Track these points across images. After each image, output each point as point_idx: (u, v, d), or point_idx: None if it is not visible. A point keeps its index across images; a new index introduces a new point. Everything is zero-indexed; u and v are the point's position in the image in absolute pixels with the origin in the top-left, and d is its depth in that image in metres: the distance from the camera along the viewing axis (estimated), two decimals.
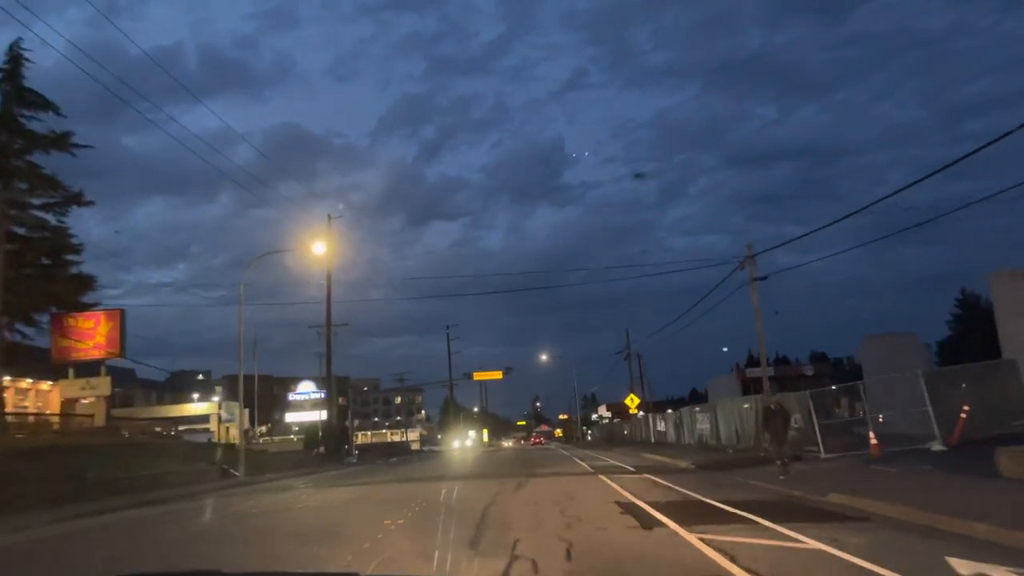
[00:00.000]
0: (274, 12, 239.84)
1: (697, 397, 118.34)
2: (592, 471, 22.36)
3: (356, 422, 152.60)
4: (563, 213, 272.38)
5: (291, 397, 71.74)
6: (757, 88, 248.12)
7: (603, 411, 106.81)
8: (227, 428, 63.51)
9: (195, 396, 61.18)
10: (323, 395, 68.06)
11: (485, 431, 58.98)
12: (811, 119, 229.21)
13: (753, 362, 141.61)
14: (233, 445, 52.29)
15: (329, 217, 54.15)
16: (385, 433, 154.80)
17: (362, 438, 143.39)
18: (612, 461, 27.72)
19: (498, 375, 60.14)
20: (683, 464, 23.05)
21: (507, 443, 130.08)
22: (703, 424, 31.09)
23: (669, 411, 43.86)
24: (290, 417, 73.31)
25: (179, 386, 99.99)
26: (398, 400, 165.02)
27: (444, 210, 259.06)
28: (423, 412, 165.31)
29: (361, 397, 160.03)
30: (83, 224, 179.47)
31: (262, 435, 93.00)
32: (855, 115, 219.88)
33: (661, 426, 41.89)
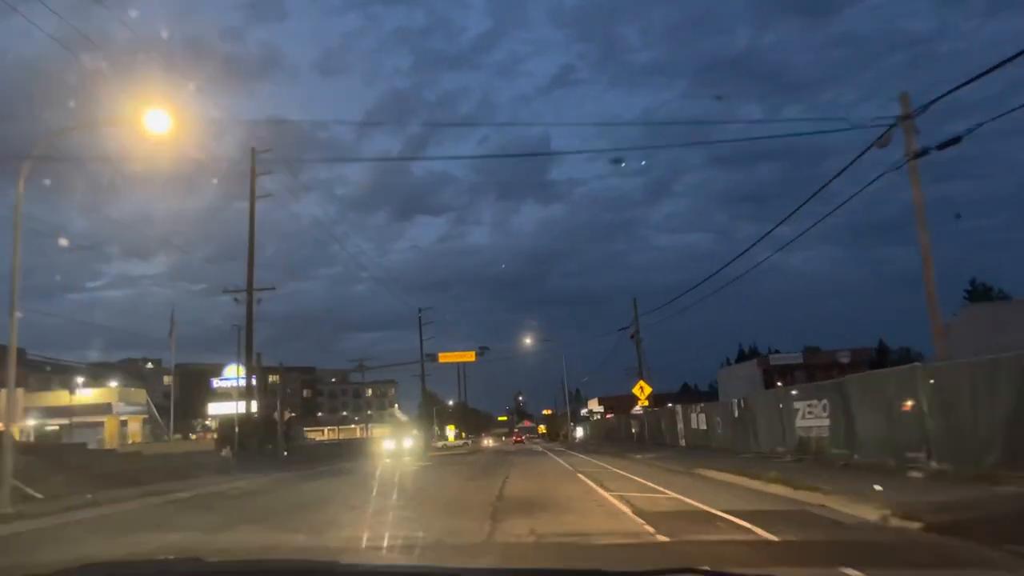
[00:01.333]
0: (261, 3, 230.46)
1: (689, 392, 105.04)
2: (662, 535, 8.67)
3: (321, 415, 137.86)
4: (549, 210, 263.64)
5: (215, 384, 57.76)
6: (743, 87, 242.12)
7: (594, 405, 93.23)
8: (124, 422, 49.26)
9: (79, 381, 47.08)
10: (240, 380, 53.80)
11: (451, 428, 44.81)
12: (796, 119, 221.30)
13: (745, 356, 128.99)
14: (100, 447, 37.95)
15: (253, 150, 40.36)
16: (354, 428, 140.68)
17: (329, 434, 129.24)
18: (668, 491, 13.86)
19: (470, 356, 46.46)
20: (870, 513, 9.42)
21: (487, 441, 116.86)
22: (811, 419, 17.46)
23: (695, 404, 30.67)
24: (215, 409, 59.09)
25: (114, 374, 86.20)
26: (369, 393, 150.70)
27: (430, 205, 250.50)
28: (396, 406, 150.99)
29: (328, 389, 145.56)
30: (64, 215, 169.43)
31: (209, 429, 79.32)
32: (840, 115, 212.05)
33: (698, 423, 28.33)
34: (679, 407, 31.30)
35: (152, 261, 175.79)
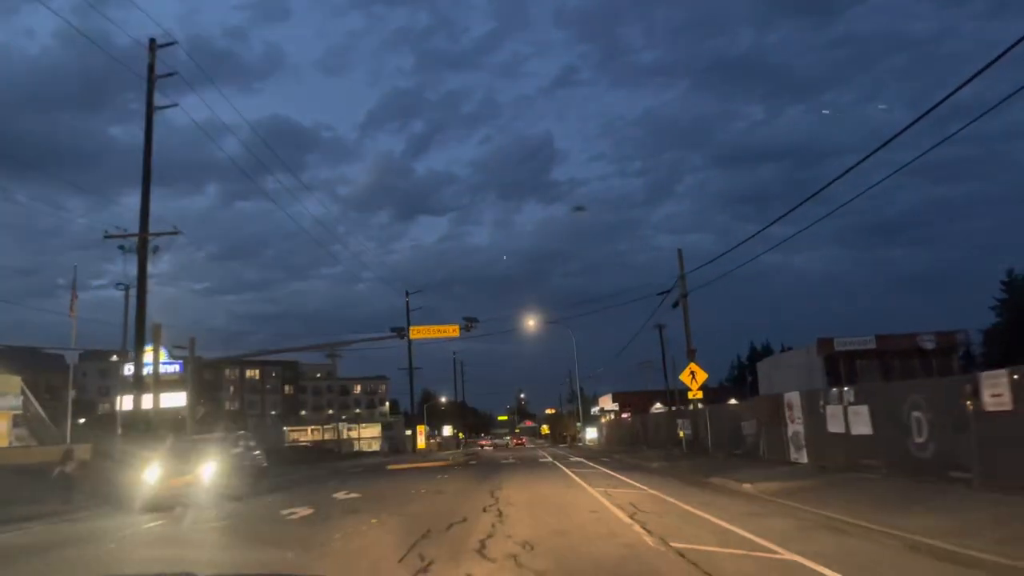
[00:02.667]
0: (265, 3, 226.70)
1: (707, 391, 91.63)
2: None
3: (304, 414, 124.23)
4: (550, 210, 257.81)
5: (128, 371, 44.60)
6: (745, 88, 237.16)
7: (606, 403, 79.70)
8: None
9: None
10: (178, 368, 40.31)
11: (422, 428, 31.59)
12: (798, 120, 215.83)
13: (758, 355, 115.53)
14: None
15: (152, 42, 27.40)
16: (341, 428, 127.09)
17: (314, 434, 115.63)
18: None
19: (452, 331, 33.13)
20: None
21: (484, 443, 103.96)
22: None
23: (829, 390, 17.52)
24: (127, 404, 45.57)
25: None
26: (358, 390, 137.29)
27: (431, 205, 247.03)
28: (387, 404, 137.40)
29: (313, 386, 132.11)
30: (69, 214, 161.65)
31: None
32: (841, 116, 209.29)
33: (847, 422, 14.89)
34: (795, 395, 17.74)
35: (156, 261, 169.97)
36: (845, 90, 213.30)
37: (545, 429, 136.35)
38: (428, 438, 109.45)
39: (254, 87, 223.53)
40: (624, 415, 72.11)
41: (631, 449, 39.10)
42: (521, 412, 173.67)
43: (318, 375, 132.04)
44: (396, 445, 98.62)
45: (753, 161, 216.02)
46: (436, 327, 34.08)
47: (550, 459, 32.51)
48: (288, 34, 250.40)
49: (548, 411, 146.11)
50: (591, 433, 68.39)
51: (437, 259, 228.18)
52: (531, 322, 53.79)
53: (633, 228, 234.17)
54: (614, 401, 75.74)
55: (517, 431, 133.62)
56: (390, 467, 28.82)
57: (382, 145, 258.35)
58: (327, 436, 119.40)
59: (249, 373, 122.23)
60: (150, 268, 27.21)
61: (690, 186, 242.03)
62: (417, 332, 33.97)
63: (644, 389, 72.55)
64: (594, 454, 37.47)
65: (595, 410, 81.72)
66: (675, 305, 33.89)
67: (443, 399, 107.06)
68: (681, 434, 30.15)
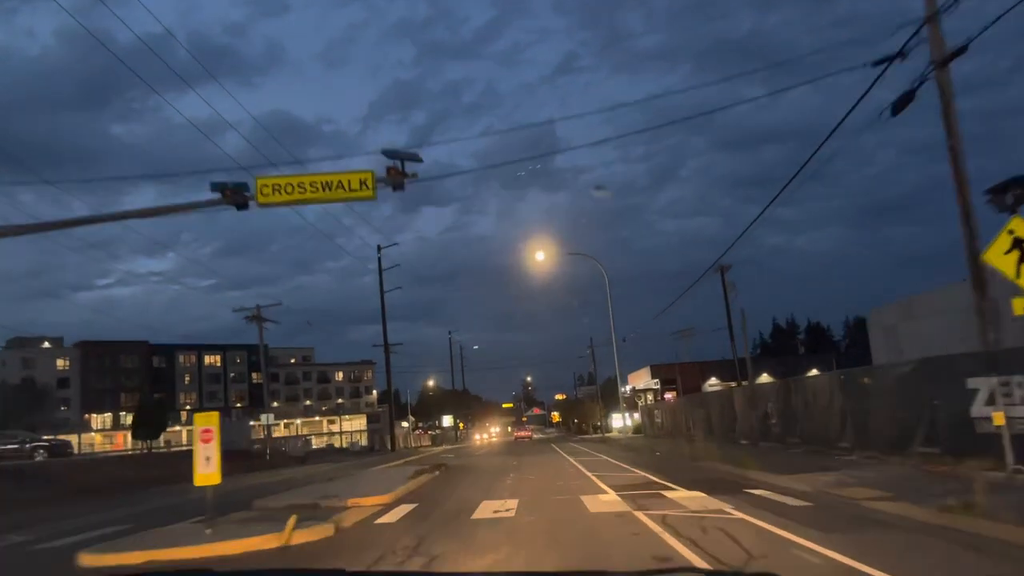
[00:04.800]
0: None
1: (730, 363, 71.84)
2: None
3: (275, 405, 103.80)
4: (554, 198, 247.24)
5: None
6: (747, 70, 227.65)
7: (640, 379, 59.55)
8: None
9: None
10: None
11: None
12: (800, 101, 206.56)
13: (782, 330, 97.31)
14: None
15: None
16: (320, 422, 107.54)
17: (286, 430, 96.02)
18: None
19: (357, 187, 13.16)
20: None
21: (483, 435, 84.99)
22: None
23: None
24: None
25: None
26: (339, 376, 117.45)
27: (435, 196, 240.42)
28: (374, 392, 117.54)
29: (286, 373, 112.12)
30: (69, 212, 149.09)
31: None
32: (844, 96, 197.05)
33: None
34: None
35: (159, 258, 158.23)
36: (847, 69, 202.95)
37: (556, 417, 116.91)
38: (419, 430, 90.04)
39: (254, 82, 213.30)
40: (667, 395, 52.37)
41: (746, 456, 19.04)
42: (528, 399, 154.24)
43: (292, 360, 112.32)
44: (381, 441, 79.65)
45: (756, 143, 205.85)
46: (321, 176, 13.99)
47: (618, 502, 12.23)
48: (287, 28, 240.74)
49: (558, 396, 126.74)
50: (631, 419, 48.55)
51: (441, 250, 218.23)
52: (539, 254, 35.10)
53: (636, 214, 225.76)
54: (653, 377, 55.49)
55: (525, 419, 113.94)
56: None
57: (384, 137, 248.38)
58: (305, 430, 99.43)
59: (208, 359, 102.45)
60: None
61: (694, 170, 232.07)
62: (273, 189, 13.78)
63: (692, 360, 52.55)
64: (734, 474, 17.32)
65: (624, 390, 61.42)
66: (897, 108, 13.62)
67: (431, 383, 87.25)
68: (999, 420, 9.99)
